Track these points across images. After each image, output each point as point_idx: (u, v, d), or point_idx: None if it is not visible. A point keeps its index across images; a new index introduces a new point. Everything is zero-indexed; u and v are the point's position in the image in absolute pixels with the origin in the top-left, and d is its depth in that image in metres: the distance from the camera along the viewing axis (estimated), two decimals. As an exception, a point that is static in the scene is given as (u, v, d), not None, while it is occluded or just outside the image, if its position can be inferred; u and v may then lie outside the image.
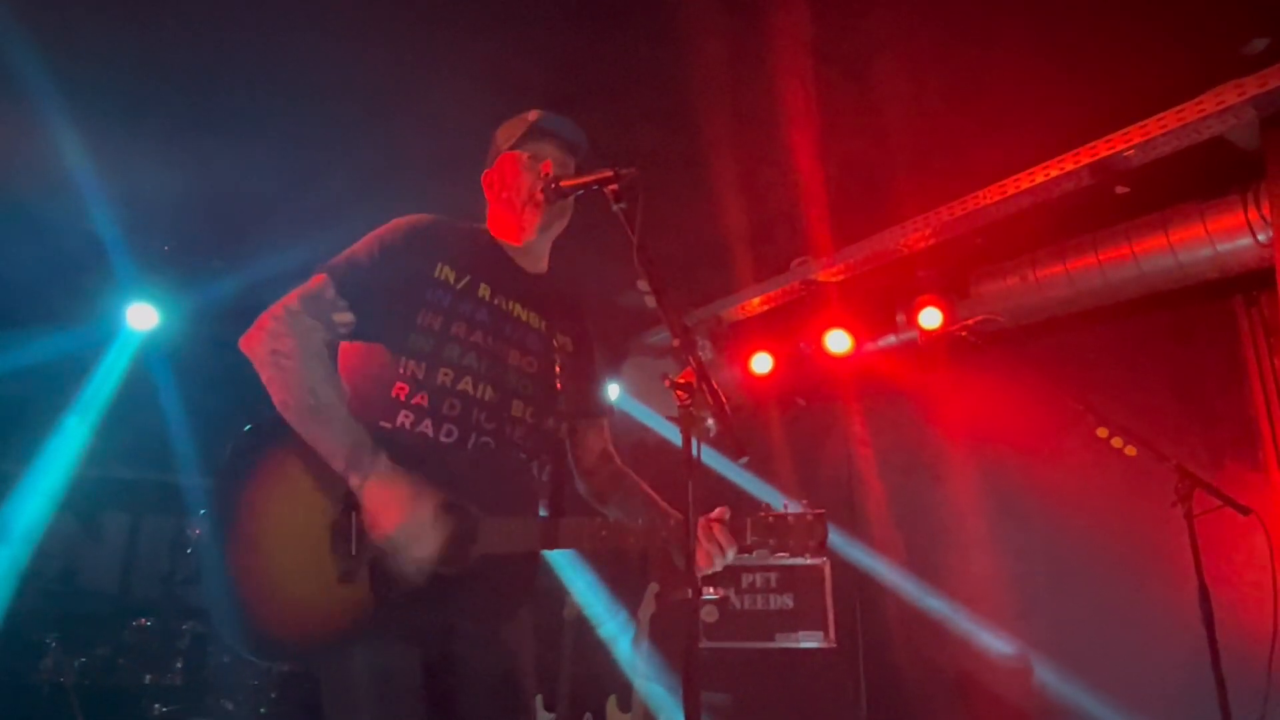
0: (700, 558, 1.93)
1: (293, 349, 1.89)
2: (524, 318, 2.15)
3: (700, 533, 1.94)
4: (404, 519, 1.78)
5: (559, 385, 2.14)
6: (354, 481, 1.82)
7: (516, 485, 2.00)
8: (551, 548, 1.95)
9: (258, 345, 1.91)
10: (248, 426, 1.93)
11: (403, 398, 1.97)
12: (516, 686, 2.06)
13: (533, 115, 2.21)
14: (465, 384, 2.01)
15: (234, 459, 1.89)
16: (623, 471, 2.33)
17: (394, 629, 1.84)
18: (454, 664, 1.95)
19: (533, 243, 2.20)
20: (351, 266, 2.01)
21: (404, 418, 1.96)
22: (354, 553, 1.82)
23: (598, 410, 2.35)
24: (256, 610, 1.80)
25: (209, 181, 4.46)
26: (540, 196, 2.10)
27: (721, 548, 1.98)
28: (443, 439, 1.98)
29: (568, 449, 2.27)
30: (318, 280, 1.98)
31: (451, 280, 2.06)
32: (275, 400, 1.88)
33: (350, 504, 1.83)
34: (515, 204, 2.15)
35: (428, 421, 1.97)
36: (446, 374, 1.98)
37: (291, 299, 1.95)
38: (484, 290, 2.09)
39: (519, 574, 1.95)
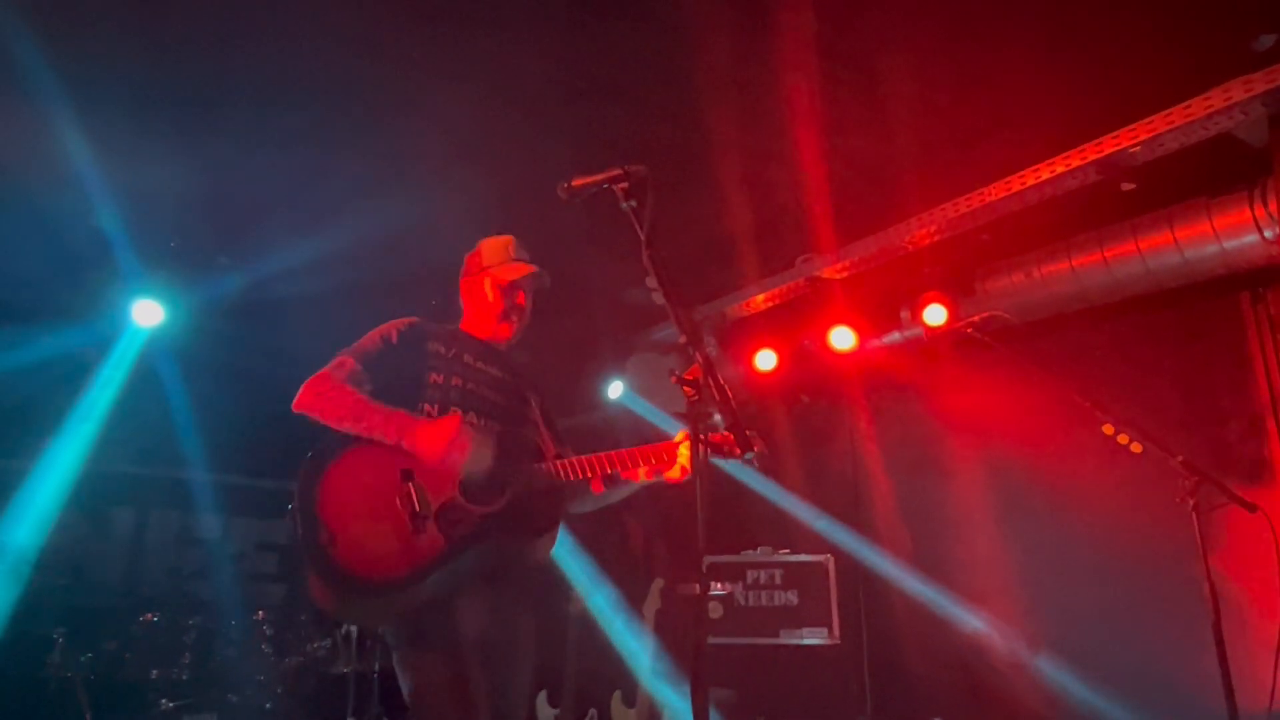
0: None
1: (330, 386, 2.51)
2: (498, 374, 2.82)
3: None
4: (449, 439, 2.41)
5: (528, 414, 2.83)
6: (406, 445, 2.41)
7: (523, 452, 2.60)
8: (568, 477, 2.56)
9: (305, 396, 2.50)
10: (309, 453, 2.46)
11: None
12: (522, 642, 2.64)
13: (511, 245, 2.89)
14: (470, 418, 2.59)
15: (309, 473, 2.42)
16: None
17: (460, 557, 2.40)
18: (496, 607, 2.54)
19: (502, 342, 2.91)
20: (367, 351, 2.64)
21: None
22: (418, 509, 2.41)
23: (560, 441, 2.92)
24: (351, 566, 2.32)
25: (214, 178, 4.47)
26: (515, 315, 2.85)
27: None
28: None
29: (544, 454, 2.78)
30: (341, 360, 2.58)
31: (443, 351, 2.73)
32: (331, 421, 2.45)
33: (408, 477, 2.42)
34: (494, 315, 2.85)
35: None
36: (455, 411, 2.56)
37: (322, 371, 2.54)
38: (468, 358, 2.76)
39: (546, 507, 2.59)
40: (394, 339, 2.69)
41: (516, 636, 2.61)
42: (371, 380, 2.57)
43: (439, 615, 2.38)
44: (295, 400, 2.51)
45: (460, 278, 2.97)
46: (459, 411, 2.58)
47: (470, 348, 2.81)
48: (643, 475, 2.71)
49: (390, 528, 2.38)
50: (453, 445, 2.42)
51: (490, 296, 2.85)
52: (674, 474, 2.63)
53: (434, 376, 2.64)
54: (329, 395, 2.48)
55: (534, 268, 2.86)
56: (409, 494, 2.42)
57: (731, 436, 2.31)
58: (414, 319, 2.77)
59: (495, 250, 2.91)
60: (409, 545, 2.37)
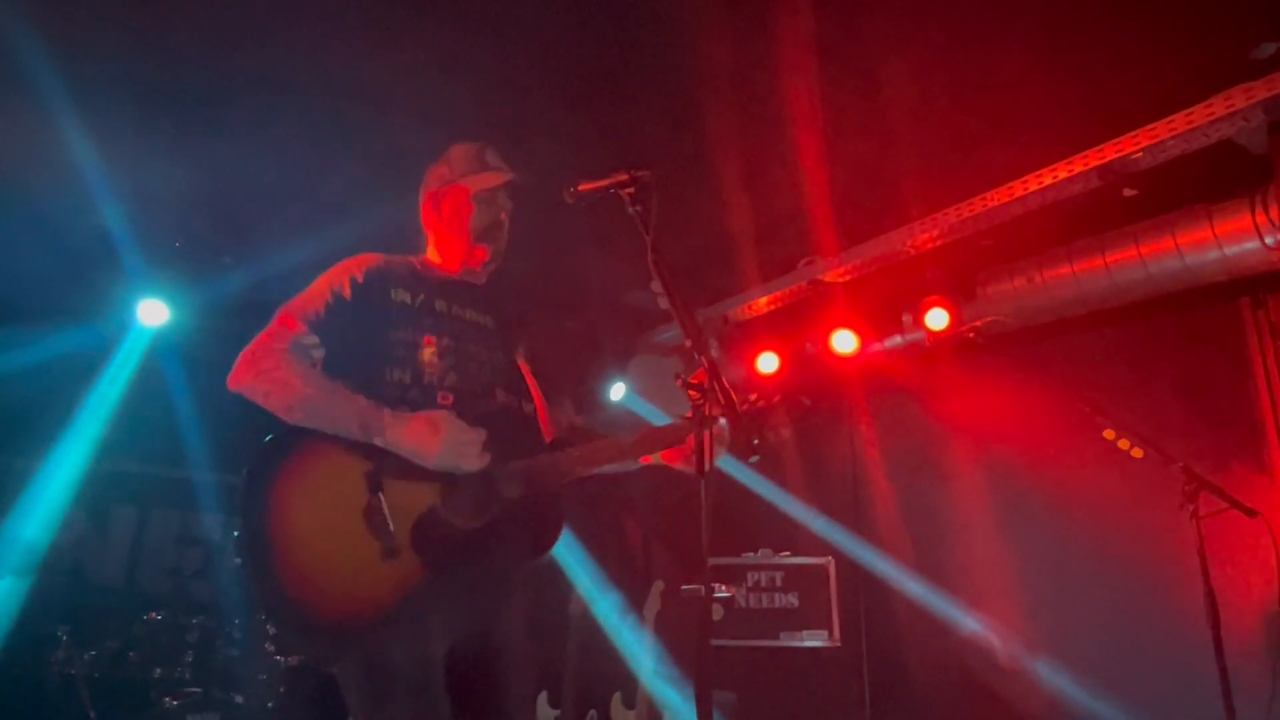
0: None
1: (275, 363, 2.04)
2: (477, 319, 2.34)
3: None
4: (443, 437, 1.97)
5: (521, 369, 2.37)
6: (377, 441, 1.96)
7: (519, 438, 2.18)
8: (570, 473, 2.11)
9: (242, 373, 2.05)
10: (268, 437, 2.01)
11: (396, 398, 2.10)
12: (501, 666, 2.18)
13: (486, 151, 2.44)
14: (450, 379, 2.16)
15: (259, 468, 1.97)
16: (594, 431, 2.46)
17: (445, 593, 1.96)
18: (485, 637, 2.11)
19: (478, 270, 2.39)
20: (314, 310, 2.15)
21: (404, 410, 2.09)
22: (391, 529, 1.92)
23: (556, 391, 2.49)
24: (308, 603, 1.88)
25: (218, 177, 4.48)
26: (493, 235, 2.34)
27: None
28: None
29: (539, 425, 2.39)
30: (284, 319, 2.13)
31: (409, 301, 2.22)
32: (279, 409, 1.99)
33: (375, 486, 1.95)
34: (467, 237, 2.35)
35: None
36: (431, 375, 2.15)
37: (262, 337, 2.10)
38: (440, 304, 2.27)
39: (547, 514, 2.14)
40: (346, 292, 2.16)
41: (502, 644, 2.17)
42: (324, 345, 2.12)
43: (408, 653, 1.91)
44: (230, 375, 2.06)
45: (422, 195, 2.46)
46: (434, 375, 2.15)
47: (441, 290, 2.30)
48: (657, 457, 2.25)
49: (355, 553, 1.90)
50: (445, 444, 1.95)
51: (462, 213, 2.34)
52: (675, 458, 2.22)
53: (401, 334, 2.15)
54: (271, 374, 2.00)
55: (513, 174, 2.36)
56: (379, 508, 1.93)
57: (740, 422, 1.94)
58: (370, 258, 2.26)
59: (467, 157, 2.42)
60: (378, 575, 1.89)
